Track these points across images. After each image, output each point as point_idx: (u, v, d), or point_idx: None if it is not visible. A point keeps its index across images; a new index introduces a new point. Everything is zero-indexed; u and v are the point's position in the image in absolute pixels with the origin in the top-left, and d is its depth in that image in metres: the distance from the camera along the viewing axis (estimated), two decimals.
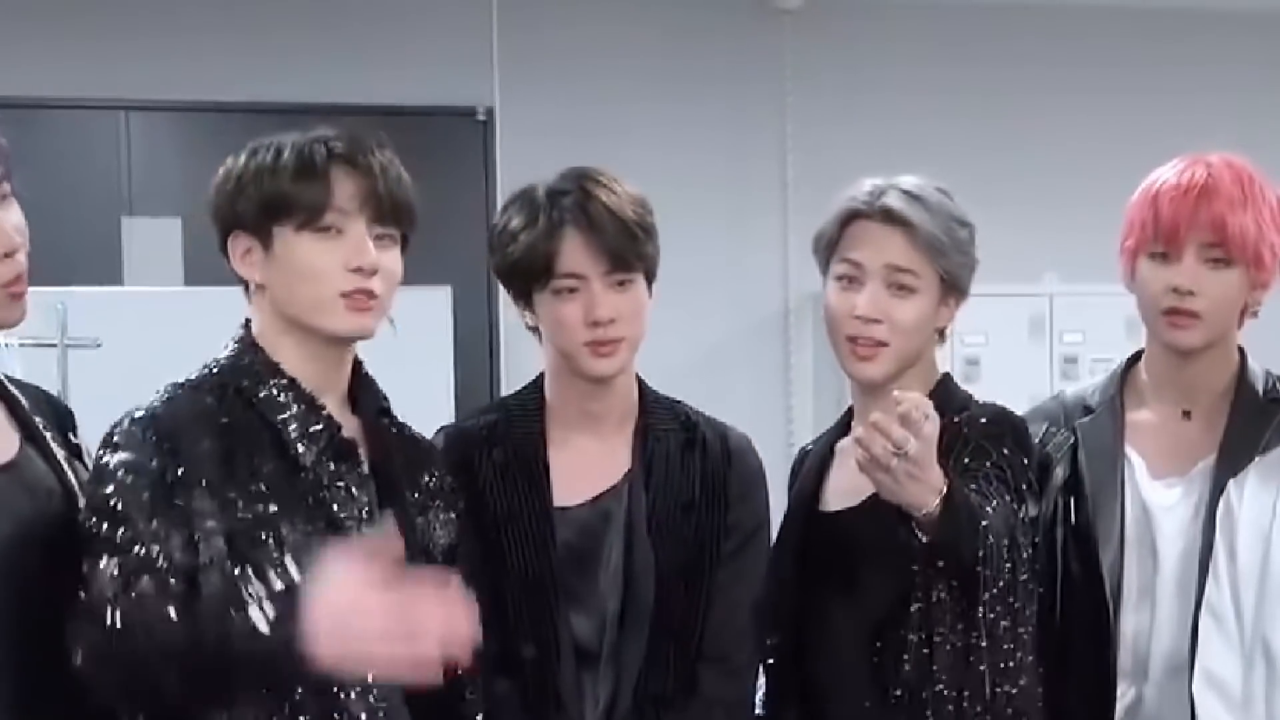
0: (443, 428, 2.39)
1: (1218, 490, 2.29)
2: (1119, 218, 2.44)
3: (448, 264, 5.40)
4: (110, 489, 1.88)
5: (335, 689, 1.90)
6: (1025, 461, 2.20)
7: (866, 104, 6.21)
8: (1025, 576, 2.16)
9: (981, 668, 2.14)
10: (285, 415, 1.99)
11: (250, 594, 1.85)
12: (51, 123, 5.89)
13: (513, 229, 2.25)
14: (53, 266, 4.91)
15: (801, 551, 2.32)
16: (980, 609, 2.11)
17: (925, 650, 2.14)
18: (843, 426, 2.40)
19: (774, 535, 2.38)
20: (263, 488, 1.93)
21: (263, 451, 1.95)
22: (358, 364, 2.13)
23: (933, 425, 1.93)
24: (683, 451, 2.33)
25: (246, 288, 2.08)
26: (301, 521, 1.93)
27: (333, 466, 1.99)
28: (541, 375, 2.37)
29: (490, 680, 2.19)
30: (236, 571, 1.87)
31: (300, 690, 1.88)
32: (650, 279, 2.30)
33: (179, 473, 1.89)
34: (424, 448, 2.21)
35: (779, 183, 6.27)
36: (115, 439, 1.92)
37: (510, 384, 4.69)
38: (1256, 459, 2.29)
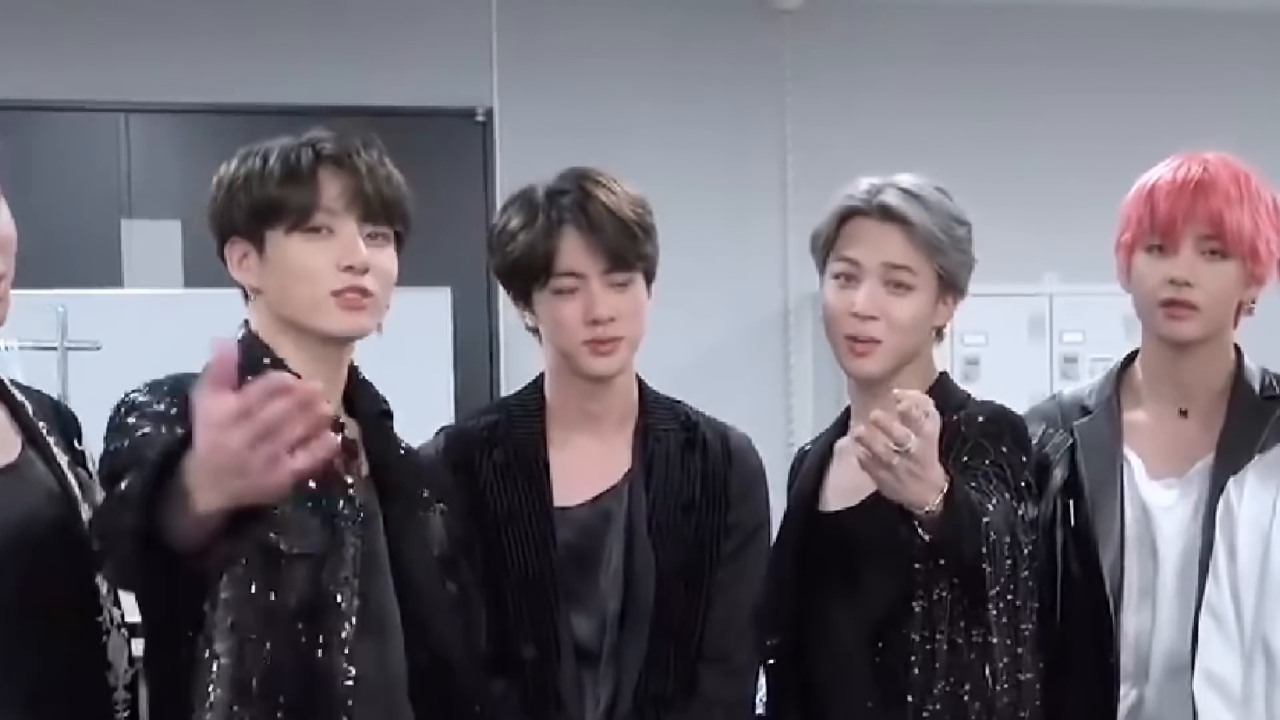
0: (443, 428, 2.39)
1: (1216, 489, 2.29)
2: (1119, 217, 2.44)
3: (447, 265, 5.41)
4: (132, 419, 1.89)
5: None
6: (1024, 460, 2.20)
7: (866, 104, 6.22)
8: (1026, 573, 2.16)
9: (983, 665, 2.14)
10: None
11: None
12: (51, 125, 5.91)
13: (512, 229, 2.26)
14: (53, 269, 4.96)
15: (801, 551, 2.32)
16: (983, 606, 2.11)
17: (927, 649, 2.14)
18: (841, 426, 2.39)
19: (774, 535, 2.38)
20: None
21: None
22: (353, 369, 2.13)
23: (934, 423, 1.93)
24: (683, 451, 2.33)
25: (245, 294, 2.08)
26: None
27: (335, 468, 1.99)
28: (542, 376, 2.37)
29: (490, 680, 2.20)
30: None
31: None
32: (650, 279, 2.30)
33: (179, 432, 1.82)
34: (420, 460, 2.22)
35: (778, 183, 6.28)
36: (133, 398, 1.93)
37: (510, 386, 4.70)
38: (1256, 458, 2.29)
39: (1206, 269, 2.34)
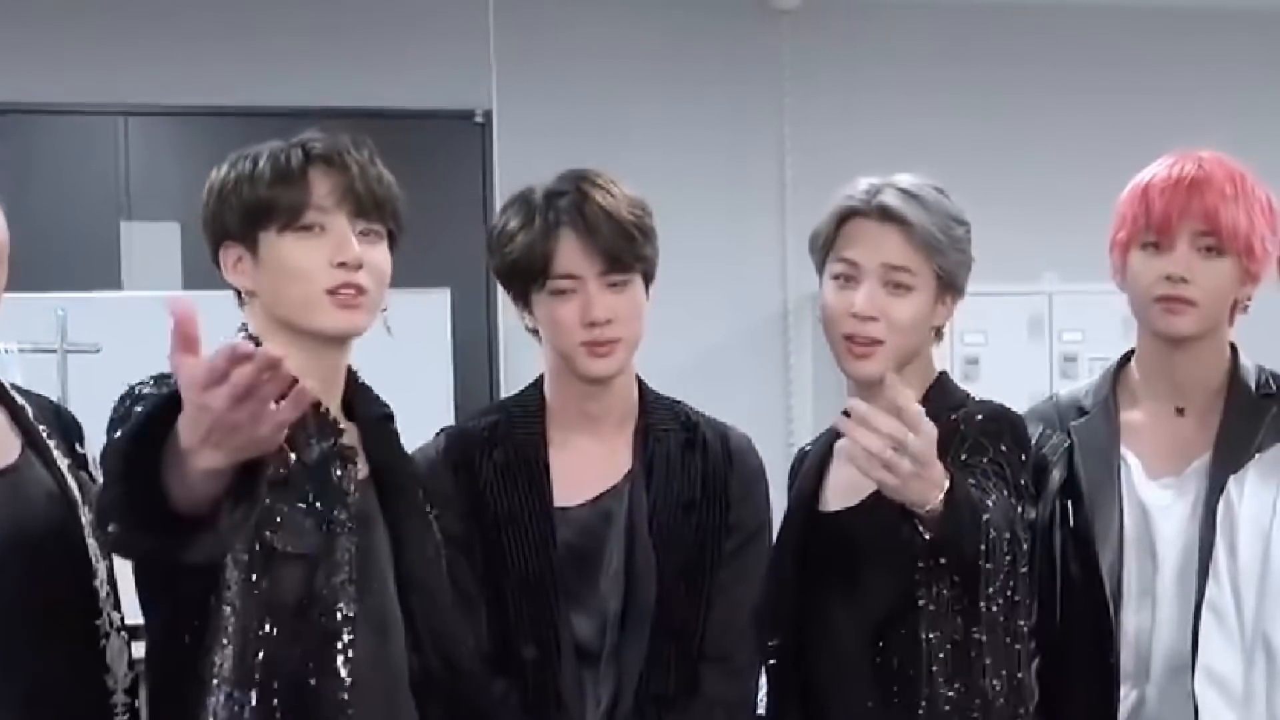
0: (444, 429, 2.39)
1: (1214, 488, 2.30)
2: (1114, 216, 2.44)
3: (446, 267, 5.42)
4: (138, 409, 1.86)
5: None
6: (1023, 459, 2.20)
7: (865, 104, 6.22)
8: (1025, 569, 2.16)
9: (984, 661, 2.13)
10: None
11: None
12: (51, 128, 5.91)
13: (510, 230, 2.26)
14: (52, 272, 4.97)
15: (801, 552, 2.32)
16: (982, 603, 2.11)
17: (928, 649, 2.14)
18: None
19: (774, 535, 2.38)
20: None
21: None
22: (352, 373, 2.14)
23: (930, 426, 1.92)
24: (683, 451, 2.34)
25: (239, 298, 2.09)
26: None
27: (333, 471, 1.99)
28: (542, 377, 2.37)
29: (491, 680, 2.20)
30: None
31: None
32: (649, 280, 2.30)
33: None
34: (417, 465, 2.23)
35: (777, 183, 6.28)
36: (139, 389, 1.92)
37: (509, 387, 4.70)
38: (1256, 457, 2.29)
39: (1202, 266, 2.34)
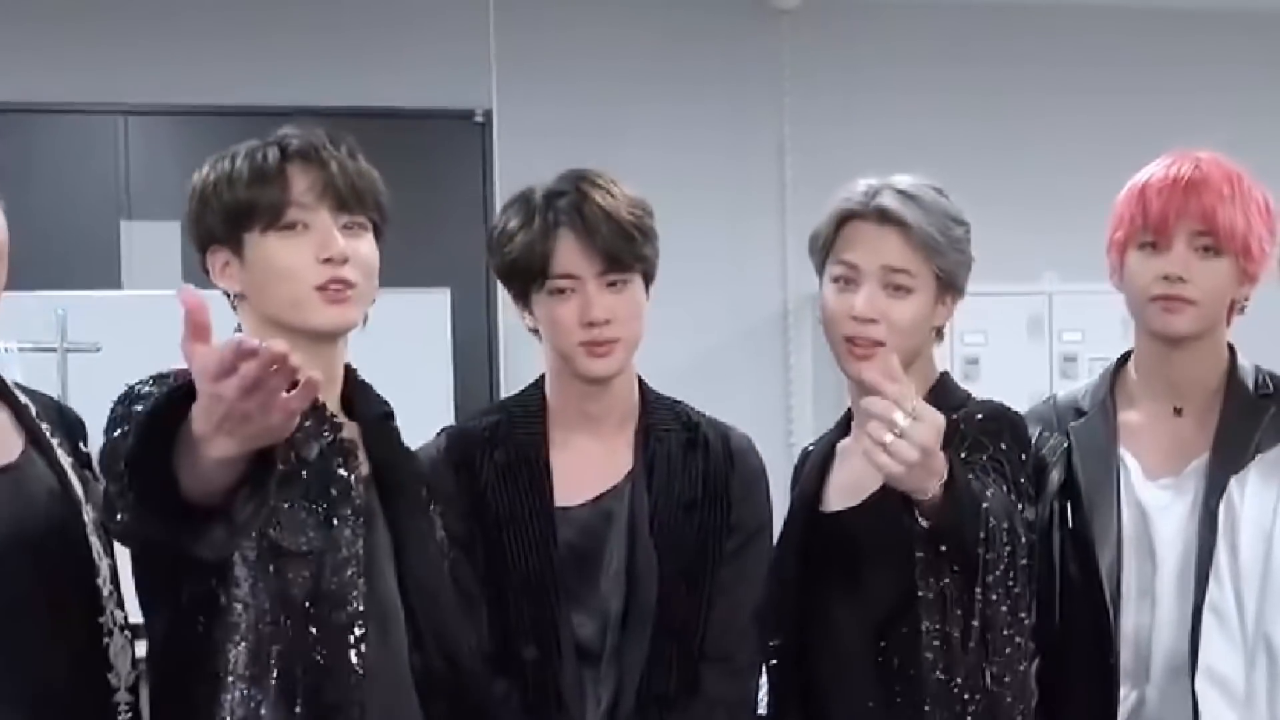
0: (445, 428, 2.40)
1: (1213, 488, 2.30)
2: (1111, 216, 2.44)
3: (446, 267, 5.43)
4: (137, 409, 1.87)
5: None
6: (1023, 457, 2.20)
7: (865, 104, 6.22)
8: (1024, 561, 2.15)
9: (983, 660, 2.13)
10: None
11: None
12: (50, 127, 5.91)
13: (510, 230, 2.26)
14: (52, 271, 4.97)
15: (803, 552, 2.32)
16: (980, 592, 2.10)
17: (930, 649, 2.14)
18: (843, 427, 2.40)
19: (776, 535, 2.38)
20: None
21: None
22: (352, 371, 2.13)
23: (936, 415, 1.92)
24: (684, 451, 2.34)
25: (230, 301, 2.08)
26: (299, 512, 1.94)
27: (335, 468, 2.00)
28: (542, 377, 2.37)
29: (492, 680, 2.20)
30: None
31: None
32: (648, 280, 2.31)
33: None
34: (420, 462, 2.23)
35: (777, 183, 6.28)
36: (138, 388, 1.92)
37: (509, 387, 4.70)
38: (1257, 457, 2.29)
39: (1199, 265, 2.35)
